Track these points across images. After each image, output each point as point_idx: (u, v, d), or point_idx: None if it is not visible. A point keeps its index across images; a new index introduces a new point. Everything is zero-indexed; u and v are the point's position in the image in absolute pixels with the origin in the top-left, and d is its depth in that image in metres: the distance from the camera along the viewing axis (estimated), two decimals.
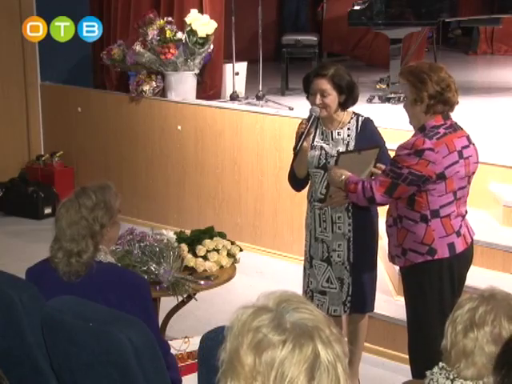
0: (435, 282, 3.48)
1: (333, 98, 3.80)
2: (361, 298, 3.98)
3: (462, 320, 2.17)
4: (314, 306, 1.51)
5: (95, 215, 2.95)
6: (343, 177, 3.56)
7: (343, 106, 3.86)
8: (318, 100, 3.79)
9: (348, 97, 3.84)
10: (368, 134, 3.85)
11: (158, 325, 3.28)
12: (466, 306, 2.18)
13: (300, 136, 3.79)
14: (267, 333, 1.42)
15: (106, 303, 2.78)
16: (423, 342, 3.47)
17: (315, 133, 3.93)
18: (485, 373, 2.13)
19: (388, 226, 3.61)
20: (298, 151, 3.82)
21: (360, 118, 3.91)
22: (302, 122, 3.87)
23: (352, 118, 3.90)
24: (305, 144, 3.81)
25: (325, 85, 3.79)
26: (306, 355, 1.40)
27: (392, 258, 3.64)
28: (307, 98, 3.92)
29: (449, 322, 2.21)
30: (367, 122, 3.91)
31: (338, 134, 3.87)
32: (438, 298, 3.44)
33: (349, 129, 3.87)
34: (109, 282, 2.93)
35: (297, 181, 4.01)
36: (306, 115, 3.90)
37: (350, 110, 3.92)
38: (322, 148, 3.89)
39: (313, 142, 3.91)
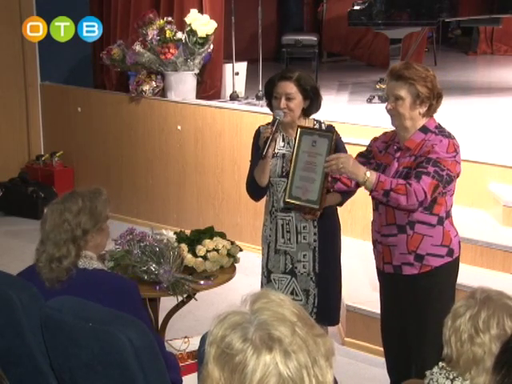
0: (452, 282, 3.44)
1: (297, 103, 3.71)
2: (326, 310, 3.86)
3: (466, 328, 2.16)
4: (295, 309, 1.45)
5: (78, 220, 2.92)
6: (368, 173, 3.25)
7: (306, 112, 3.77)
8: (283, 104, 3.69)
9: (312, 103, 3.75)
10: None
11: (149, 324, 3.24)
12: (467, 313, 2.17)
13: (265, 141, 3.66)
14: (230, 341, 1.39)
15: None
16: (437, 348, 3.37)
17: (279, 135, 3.82)
18: None
19: (386, 236, 3.43)
20: (264, 157, 3.68)
21: (323, 126, 3.82)
22: (262, 128, 3.77)
23: (314, 125, 3.80)
24: (270, 150, 3.70)
25: (290, 88, 3.70)
26: (264, 365, 1.36)
27: (395, 267, 3.44)
28: (268, 104, 3.84)
29: (450, 331, 2.20)
30: (330, 129, 3.78)
31: None
32: (451, 298, 3.35)
33: None
34: (94, 289, 2.89)
35: (258, 189, 3.87)
36: None
37: (311, 117, 3.83)
38: (284, 156, 3.79)
39: (274, 150, 3.80)
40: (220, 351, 1.40)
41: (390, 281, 3.53)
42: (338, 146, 3.64)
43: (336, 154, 3.37)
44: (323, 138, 3.46)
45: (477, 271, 4.59)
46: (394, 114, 3.35)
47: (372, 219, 3.56)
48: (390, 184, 3.22)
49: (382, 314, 3.70)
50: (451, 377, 2.19)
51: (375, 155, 3.51)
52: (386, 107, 3.38)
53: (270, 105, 3.84)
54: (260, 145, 3.73)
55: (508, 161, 5.19)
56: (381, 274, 3.58)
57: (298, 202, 3.57)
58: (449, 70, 8.78)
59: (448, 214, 3.40)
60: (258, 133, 3.92)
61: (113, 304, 2.83)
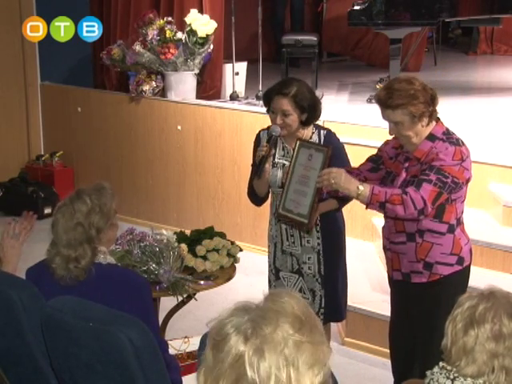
0: (462, 290, 3.31)
1: (294, 118, 3.68)
2: (334, 308, 3.92)
3: (462, 318, 2.17)
4: (299, 311, 1.48)
5: (91, 221, 2.92)
6: (361, 187, 3.22)
7: (305, 123, 3.74)
8: (279, 120, 3.67)
9: (310, 115, 3.71)
10: (335, 148, 3.65)
11: (157, 325, 3.27)
12: (466, 303, 2.18)
13: (261, 160, 3.66)
14: (223, 324, 1.45)
15: (105, 304, 2.78)
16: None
17: (276, 149, 3.82)
18: (485, 370, 2.13)
19: (395, 244, 3.41)
20: (259, 174, 3.69)
21: (322, 132, 3.78)
22: (257, 141, 3.79)
23: (313, 133, 3.77)
24: (266, 166, 3.71)
25: (286, 105, 3.66)
26: (237, 353, 1.42)
27: (404, 275, 3.42)
28: (267, 111, 3.80)
29: (449, 321, 2.21)
30: (330, 135, 3.79)
31: None
32: None
33: None
34: (108, 284, 2.92)
35: (258, 198, 3.91)
36: None
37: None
38: (284, 166, 3.77)
39: (274, 160, 3.80)
40: (214, 333, 1.47)
41: (399, 287, 3.51)
42: (336, 155, 3.61)
43: (328, 169, 3.32)
44: (319, 153, 3.46)
45: (477, 271, 4.58)
46: (399, 137, 3.31)
47: (383, 225, 3.54)
48: (385, 195, 3.18)
49: (391, 318, 3.67)
50: (452, 377, 2.18)
51: (385, 161, 3.48)
52: (390, 133, 3.33)
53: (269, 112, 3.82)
54: (256, 161, 3.72)
55: (508, 161, 5.19)
56: (390, 280, 3.55)
57: (289, 215, 3.59)
58: (449, 69, 8.78)
59: (459, 221, 3.36)
60: (258, 137, 3.93)
61: (125, 299, 2.85)
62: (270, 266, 4.00)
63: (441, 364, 2.24)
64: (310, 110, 3.70)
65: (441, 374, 2.21)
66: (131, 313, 2.69)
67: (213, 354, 1.45)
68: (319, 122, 3.91)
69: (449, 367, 2.21)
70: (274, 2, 9.37)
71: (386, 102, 3.24)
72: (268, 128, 3.87)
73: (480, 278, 4.30)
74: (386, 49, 7.15)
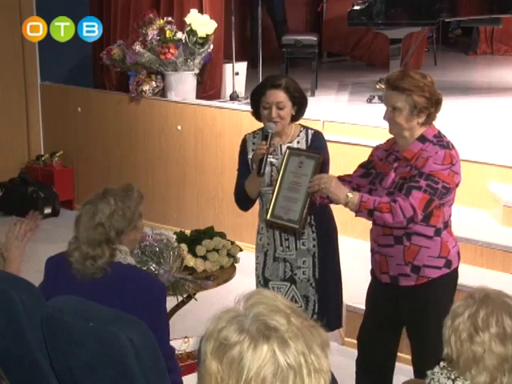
0: (450, 293, 3.37)
1: (288, 110, 3.66)
2: (327, 315, 3.81)
3: (465, 327, 2.16)
4: (287, 302, 1.47)
5: (112, 223, 2.93)
6: (350, 194, 3.24)
7: (293, 118, 3.72)
8: (275, 113, 3.63)
9: (299, 109, 3.71)
10: (319, 148, 3.67)
11: (168, 329, 3.23)
12: (466, 312, 2.17)
13: (261, 159, 3.62)
14: (227, 334, 1.41)
15: (120, 304, 2.78)
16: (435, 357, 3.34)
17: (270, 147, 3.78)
18: (497, 375, 2.13)
19: (383, 247, 3.39)
20: (263, 172, 3.65)
21: (310, 132, 3.76)
22: (248, 136, 3.78)
23: (301, 131, 3.76)
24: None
25: (280, 97, 3.63)
26: (261, 354, 1.37)
27: (392, 278, 3.40)
28: (254, 113, 3.77)
29: (450, 331, 2.20)
30: (317, 136, 3.77)
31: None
32: (449, 309, 3.34)
33: (298, 142, 3.73)
34: (125, 285, 2.91)
35: (249, 201, 3.87)
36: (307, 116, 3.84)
37: (297, 122, 3.79)
38: (271, 164, 3.74)
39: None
40: (218, 344, 1.41)
41: (387, 290, 3.49)
42: (323, 146, 3.66)
43: (319, 175, 3.37)
44: (309, 160, 3.49)
45: (477, 271, 4.59)
46: (392, 124, 3.31)
47: (371, 227, 3.53)
48: (373, 203, 3.20)
49: (371, 319, 3.65)
50: (452, 377, 2.18)
51: (376, 164, 3.47)
52: (384, 117, 3.33)
53: (255, 113, 3.78)
54: (255, 162, 3.69)
55: (508, 161, 5.19)
56: (378, 283, 3.52)
57: (279, 221, 3.61)
58: (449, 69, 8.78)
59: (446, 225, 3.35)
60: (244, 141, 3.89)
61: (140, 301, 2.85)
62: (257, 277, 3.93)
63: (441, 364, 2.24)
64: (300, 103, 3.70)
65: (441, 374, 2.22)
66: (145, 315, 2.69)
67: (225, 368, 1.39)
68: (319, 123, 3.91)
69: (449, 367, 2.21)
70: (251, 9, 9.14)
71: (395, 82, 3.25)
72: (254, 132, 3.86)
73: (480, 277, 4.30)
74: (386, 49, 7.16)
